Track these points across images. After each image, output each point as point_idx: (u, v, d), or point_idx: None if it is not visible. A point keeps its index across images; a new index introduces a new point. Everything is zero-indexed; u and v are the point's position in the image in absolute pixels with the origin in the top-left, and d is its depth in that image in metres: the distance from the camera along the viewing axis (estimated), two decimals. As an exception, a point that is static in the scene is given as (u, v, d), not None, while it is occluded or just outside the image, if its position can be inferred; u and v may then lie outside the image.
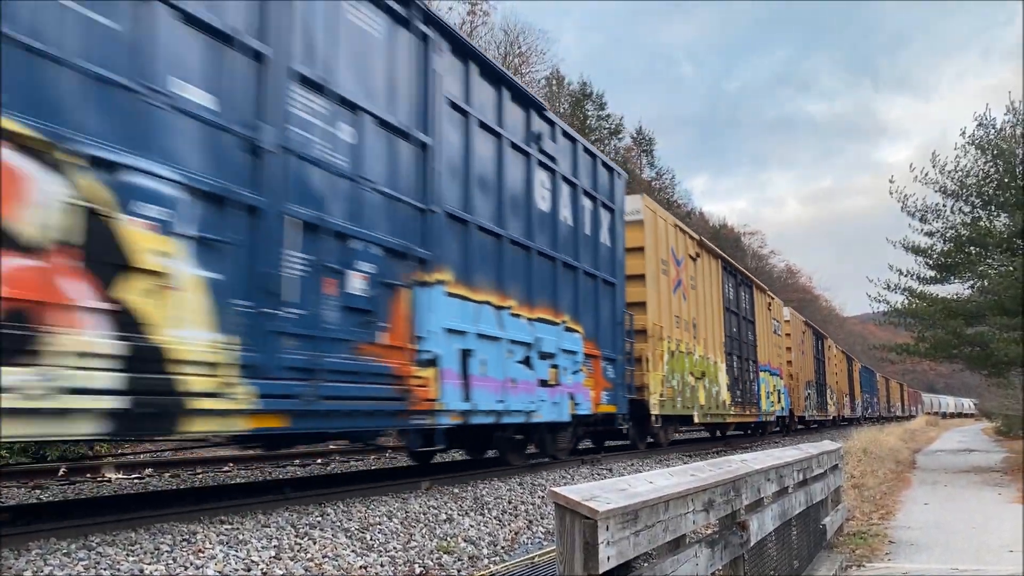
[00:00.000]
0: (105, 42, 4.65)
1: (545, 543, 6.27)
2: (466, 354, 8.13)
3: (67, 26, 4.42)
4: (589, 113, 49.50)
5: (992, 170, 17.10)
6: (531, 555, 5.68)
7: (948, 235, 17.93)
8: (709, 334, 17.31)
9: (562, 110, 46.15)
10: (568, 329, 10.51)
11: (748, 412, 20.31)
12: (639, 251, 13.80)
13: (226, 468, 10.85)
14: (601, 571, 2.53)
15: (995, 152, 16.91)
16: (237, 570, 4.34)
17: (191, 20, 5.19)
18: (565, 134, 10.99)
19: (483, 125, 8.81)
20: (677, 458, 13.62)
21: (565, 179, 10.78)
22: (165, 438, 4.63)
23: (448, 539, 5.89)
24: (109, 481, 9.21)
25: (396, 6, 7.33)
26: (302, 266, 5.99)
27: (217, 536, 4.98)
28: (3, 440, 4.30)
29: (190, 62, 5.21)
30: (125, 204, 4.67)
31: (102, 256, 4.52)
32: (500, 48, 40.28)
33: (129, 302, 4.65)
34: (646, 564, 3.11)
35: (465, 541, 5.92)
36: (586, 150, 11.64)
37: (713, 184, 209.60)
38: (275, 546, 4.92)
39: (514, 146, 9.49)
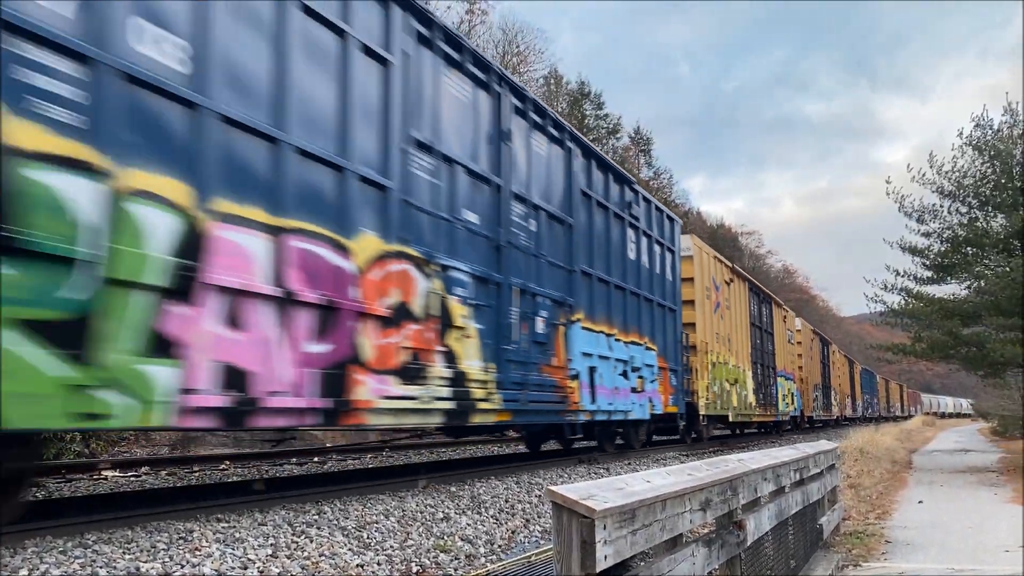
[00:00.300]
0: (438, 194, 8.04)
1: (542, 542, 6.27)
2: (592, 370, 11.51)
3: (424, 190, 7.83)
4: (587, 112, 49.48)
5: (989, 171, 17.12)
6: (528, 554, 5.68)
7: (945, 235, 17.94)
8: (739, 346, 20.41)
9: (560, 109, 46.14)
10: (647, 348, 13.95)
11: (768, 413, 23.24)
12: (689, 281, 16.97)
13: (222, 466, 10.83)
14: (598, 570, 2.53)
15: (992, 153, 16.93)
16: (234, 568, 4.33)
17: (471, 173, 8.70)
18: (644, 198, 14.59)
19: (599, 203, 12.27)
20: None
21: (644, 233, 14.23)
22: (462, 424, 8.50)
23: (445, 538, 5.89)
24: (106, 479, 9.19)
25: (555, 132, 11.05)
26: (517, 316, 9.43)
27: (214, 534, 4.97)
28: (406, 427, 8.38)
29: (467, 196, 8.64)
30: (450, 288, 8.08)
31: (443, 320, 7.91)
32: (499, 47, 40.29)
33: (451, 345, 8.04)
34: (643, 563, 3.12)
35: (462, 540, 5.92)
36: (656, 208, 15.20)
37: (711, 184, 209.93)
38: (272, 544, 4.92)
39: (616, 215, 12.95)
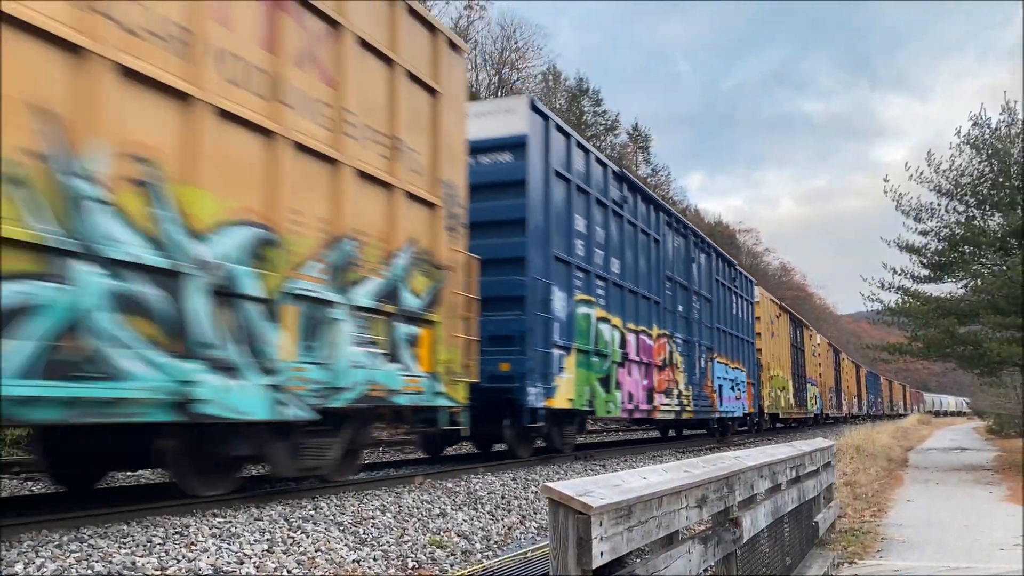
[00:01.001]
0: (672, 301, 16.33)
1: (538, 538, 6.28)
2: (720, 387, 19.57)
3: (668, 300, 16.20)
4: (585, 109, 49.45)
5: (987, 169, 17.14)
6: (524, 550, 5.68)
7: (942, 234, 17.97)
8: (784, 362, 28.73)
9: (558, 106, 46.09)
10: (740, 370, 22.03)
11: (801, 411, 31.56)
12: (757, 319, 24.77)
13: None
14: (594, 566, 2.53)
15: (990, 151, 16.94)
16: (230, 563, 4.33)
17: (682, 286, 16.83)
18: (738, 270, 22.61)
19: (720, 283, 20.06)
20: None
21: (737, 294, 22.14)
22: (678, 420, 17.45)
23: (441, 534, 5.89)
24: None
25: (707, 248, 19.05)
26: (695, 359, 17.45)
27: (210, 529, 4.97)
28: (663, 420, 17.71)
29: (679, 299, 16.83)
30: (676, 348, 16.54)
31: (674, 365, 16.35)
32: (497, 43, 40.24)
33: (677, 378, 16.49)
34: (639, 560, 3.12)
35: (458, 536, 5.93)
36: (744, 276, 23.42)
37: (709, 182, 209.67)
38: (268, 539, 4.91)
39: (728, 287, 20.82)
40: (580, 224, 12.08)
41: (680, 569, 3.34)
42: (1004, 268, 15.98)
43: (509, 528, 6.49)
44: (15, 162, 4.19)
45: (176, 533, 4.80)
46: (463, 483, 8.07)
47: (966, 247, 17.50)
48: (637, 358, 14.12)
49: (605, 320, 12.84)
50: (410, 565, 5.03)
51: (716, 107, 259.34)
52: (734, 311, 21.52)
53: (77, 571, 3.89)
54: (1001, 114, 17.24)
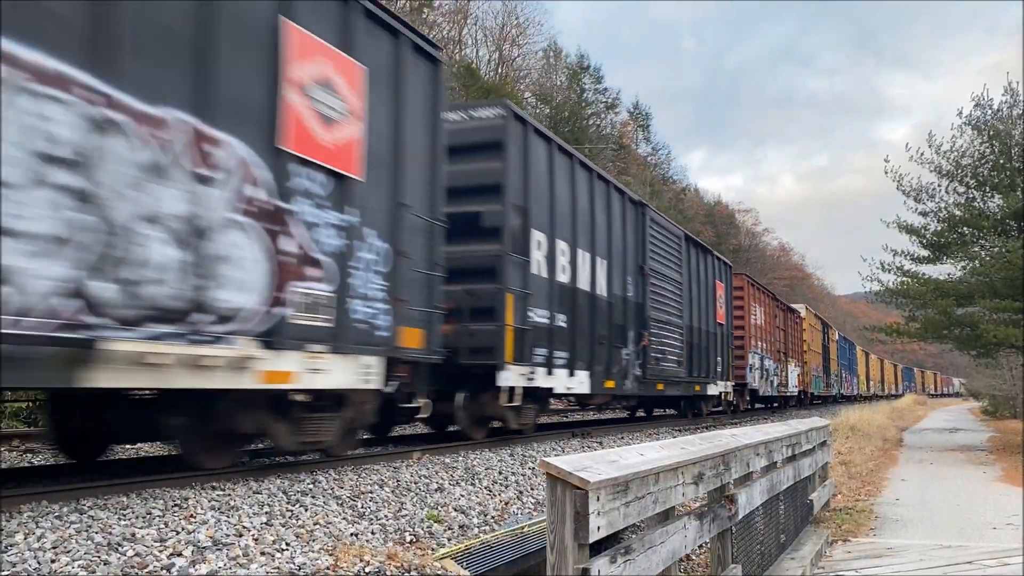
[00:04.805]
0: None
1: (535, 514, 6.32)
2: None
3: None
4: (586, 87, 49.15)
5: (988, 151, 17.09)
6: (521, 525, 5.73)
7: (942, 215, 17.95)
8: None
9: (559, 83, 45.80)
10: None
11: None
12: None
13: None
14: (591, 541, 2.55)
15: (991, 133, 16.88)
16: (228, 535, 4.36)
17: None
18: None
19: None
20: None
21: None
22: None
23: (439, 508, 5.93)
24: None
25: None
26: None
27: (209, 502, 5.00)
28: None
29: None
30: None
31: None
32: (497, 18, 39.89)
33: None
34: (635, 535, 3.14)
35: (456, 510, 5.97)
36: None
37: (710, 159, 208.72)
38: (267, 512, 4.94)
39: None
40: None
41: (676, 544, 3.37)
42: (1003, 250, 15.98)
43: (506, 503, 6.53)
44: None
45: (175, 505, 4.82)
46: (461, 458, 8.11)
47: (965, 228, 17.49)
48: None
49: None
50: (408, 539, 5.07)
51: (720, 84, 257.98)
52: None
53: (77, 542, 3.92)
54: (1003, 95, 17.16)
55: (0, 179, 4.06)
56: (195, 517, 4.58)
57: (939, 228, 17.98)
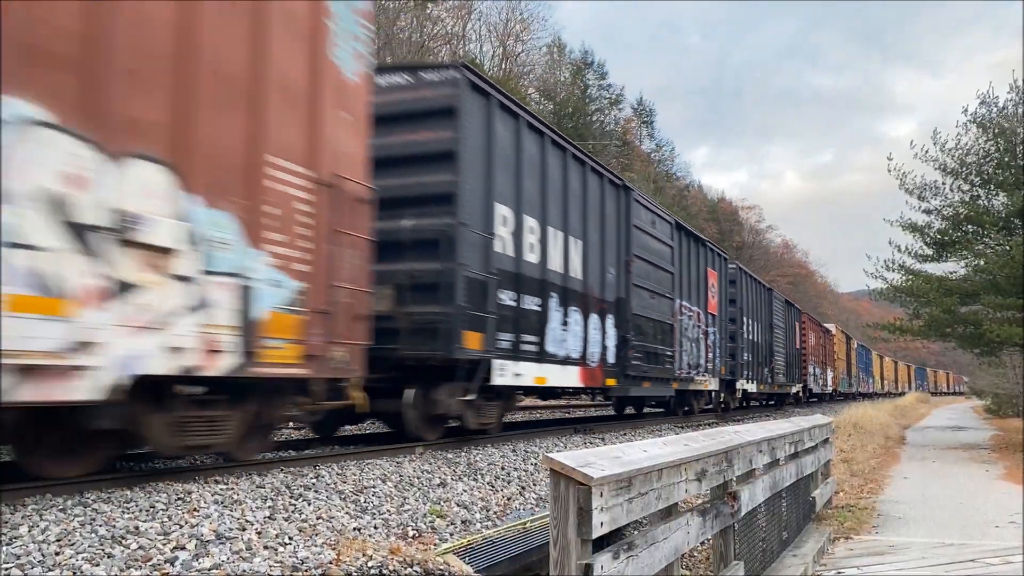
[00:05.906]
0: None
1: (537, 509, 6.33)
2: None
3: None
4: (590, 82, 49.07)
5: (992, 149, 17.03)
6: (523, 520, 5.74)
7: (946, 213, 17.91)
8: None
9: (563, 79, 45.74)
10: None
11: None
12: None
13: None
14: (594, 536, 2.55)
15: (996, 131, 16.82)
16: (232, 529, 4.37)
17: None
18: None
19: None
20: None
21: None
22: None
23: (441, 503, 5.94)
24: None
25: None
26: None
27: (212, 496, 5.01)
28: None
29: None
30: None
31: None
32: (502, 14, 39.84)
33: None
34: (638, 532, 3.14)
35: (458, 506, 5.98)
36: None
37: (715, 155, 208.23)
38: (270, 507, 4.96)
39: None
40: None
41: (678, 541, 3.37)
42: (1007, 248, 15.95)
43: (508, 499, 6.54)
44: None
45: (178, 499, 4.84)
46: (463, 454, 8.12)
47: (969, 226, 17.44)
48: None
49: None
50: (410, 534, 5.08)
51: (724, 80, 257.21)
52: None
53: (81, 535, 3.93)
54: (1009, 93, 17.10)
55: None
56: (198, 511, 4.59)
57: (943, 226, 17.94)
